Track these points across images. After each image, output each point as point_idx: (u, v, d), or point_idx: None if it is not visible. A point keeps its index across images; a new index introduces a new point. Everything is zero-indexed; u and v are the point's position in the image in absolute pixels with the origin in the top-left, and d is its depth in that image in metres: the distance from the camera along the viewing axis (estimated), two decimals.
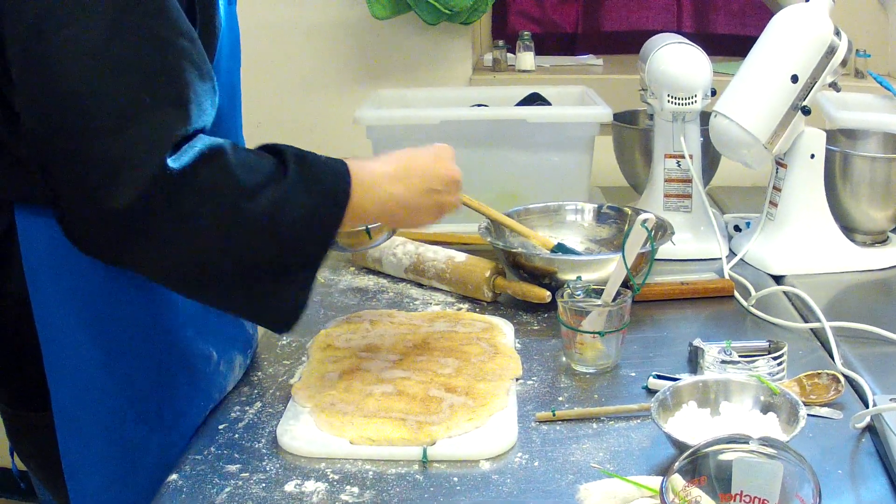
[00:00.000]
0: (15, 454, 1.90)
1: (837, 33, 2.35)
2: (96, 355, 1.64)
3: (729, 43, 3.83)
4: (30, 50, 1.39)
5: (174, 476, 1.61)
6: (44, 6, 1.39)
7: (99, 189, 1.40)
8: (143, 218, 1.42)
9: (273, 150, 1.62)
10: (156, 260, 1.49)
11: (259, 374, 1.97)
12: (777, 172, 2.49)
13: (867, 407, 1.75)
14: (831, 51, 2.34)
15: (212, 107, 1.54)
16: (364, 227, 1.95)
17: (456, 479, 1.59)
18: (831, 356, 1.97)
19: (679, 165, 2.56)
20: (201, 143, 1.48)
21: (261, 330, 2.10)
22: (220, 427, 1.76)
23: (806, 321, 2.15)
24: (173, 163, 1.42)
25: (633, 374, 1.93)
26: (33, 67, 1.40)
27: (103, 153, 1.39)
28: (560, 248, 2.35)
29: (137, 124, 1.40)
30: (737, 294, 2.29)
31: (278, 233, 1.54)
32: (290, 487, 1.57)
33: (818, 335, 2.08)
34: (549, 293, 2.16)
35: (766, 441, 1.34)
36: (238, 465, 1.64)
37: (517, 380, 1.90)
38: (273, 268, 1.57)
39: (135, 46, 1.41)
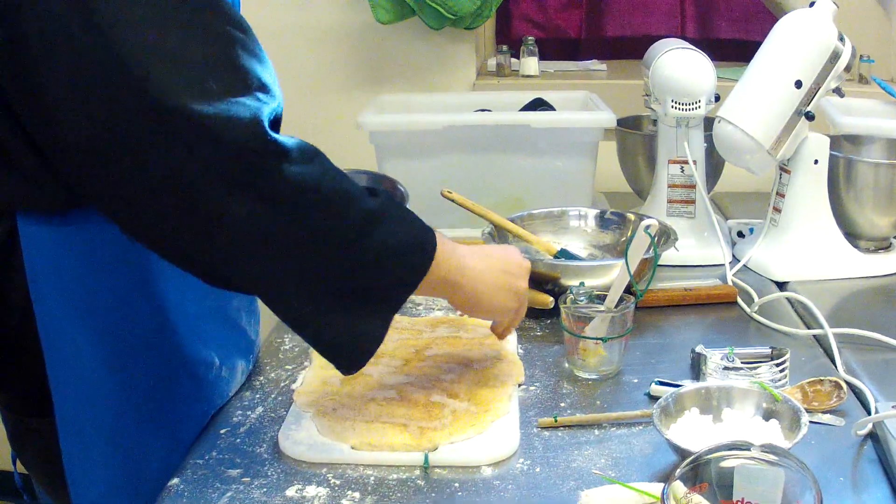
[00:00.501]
0: (18, 460, 1.91)
1: (841, 39, 2.35)
2: (98, 361, 1.64)
3: (733, 48, 3.83)
4: (84, 46, 1.35)
5: (175, 480, 1.61)
6: (95, 2, 1.35)
7: (197, 157, 1.38)
8: (248, 179, 1.41)
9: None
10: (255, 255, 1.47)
11: (261, 378, 1.97)
12: (780, 178, 2.49)
13: (869, 414, 1.74)
14: (835, 56, 2.34)
15: (279, 90, 1.54)
16: None
17: (457, 484, 1.59)
18: (834, 363, 1.97)
19: (683, 171, 2.56)
20: (299, 140, 1.50)
21: (262, 334, 2.10)
22: (222, 432, 1.76)
23: (809, 328, 2.15)
24: (279, 138, 1.44)
25: (636, 381, 1.92)
26: (92, 61, 1.35)
27: (198, 121, 1.36)
28: (563, 254, 2.35)
29: (216, 105, 1.37)
30: (740, 300, 2.29)
31: (366, 252, 1.53)
32: (291, 492, 1.57)
33: (821, 342, 2.08)
34: (552, 299, 2.16)
35: (767, 448, 1.34)
36: (239, 470, 1.64)
37: (519, 385, 1.90)
38: (348, 294, 1.55)
39: (190, 38, 1.39)
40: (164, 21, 1.37)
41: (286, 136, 1.46)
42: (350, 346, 1.59)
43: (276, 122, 1.47)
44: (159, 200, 1.40)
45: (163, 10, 1.38)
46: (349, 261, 1.52)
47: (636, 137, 2.88)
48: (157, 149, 1.36)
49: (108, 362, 1.64)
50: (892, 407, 1.71)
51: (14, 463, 1.91)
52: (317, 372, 1.93)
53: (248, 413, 1.83)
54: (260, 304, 2.02)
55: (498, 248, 1.92)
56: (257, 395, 1.90)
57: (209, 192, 1.39)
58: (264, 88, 1.46)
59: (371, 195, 1.55)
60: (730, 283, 2.38)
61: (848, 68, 2.38)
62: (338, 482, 1.60)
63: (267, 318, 2.26)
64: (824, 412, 1.77)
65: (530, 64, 3.63)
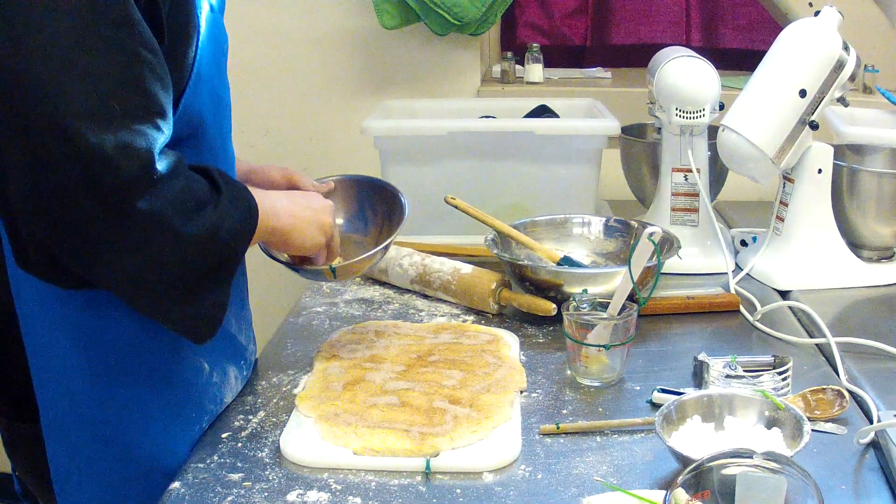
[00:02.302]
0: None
1: (846, 48, 2.35)
2: (81, 367, 1.64)
3: (737, 57, 3.83)
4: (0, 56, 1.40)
5: (176, 484, 1.61)
6: (14, 12, 1.39)
7: (79, 184, 1.42)
8: (117, 217, 1.46)
9: (201, 171, 1.64)
10: (112, 262, 1.51)
11: (263, 383, 1.97)
12: (784, 187, 2.49)
13: (871, 422, 1.74)
14: (840, 66, 2.34)
15: (172, 118, 1.57)
16: (329, 267, 1.95)
17: (459, 490, 1.59)
18: (836, 371, 1.97)
19: (686, 179, 2.56)
20: (172, 155, 1.53)
21: (263, 340, 2.10)
22: (223, 436, 1.76)
23: (811, 336, 2.15)
24: (160, 165, 1.48)
25: (638, 388, 1.92)
26: (3, 72, 1.40)
27: (88, 149, 1.40)
28: (566, 261, 2.35)
29: (113, 130, 1.42)
30: (742, 309, 2.29)
31: (220, 243, 1.59)
32: (292, 497, 1.57)
33: (823, 350, 2.08)
34: (554, 306, 2.16)
35: (770, 455, 1.34)
36: (240, 474, 1.64)
37: (521, 392, 1.90)
38: (210, 277, 1.61)
39: (103, 55, 1.42)
40: (77, 37, 1.40)
41: (168, 164, 1.51)
42: (202, 320, 1.64)
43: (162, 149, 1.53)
44: (46, 210, 1.46)
45: (77, 27, 1.41)
46: (194, 261, 1.57)
47: (640, 145, 2.88)
48: (50, 164, 1.42)
49: (91, 367, 1.64)
50: (894, 416, 1.71)
51: (13, 467, 1.91)
52: (319, 377, 1.93)
53: (250, 417, 1.83)
54: (255, 314, 2.03)
55: (299, 192, 2.00)
56: (259, 400, 1.90)
57: (81, 208, 1.44)
58: (163, 114, 1.51)
59: (211, 191, 1.61)
60: (732, 291, 2.38)
61: (852, 78, 2.38)
62: (339, 487, 1.60)
63: (267, 325, 2.27)
64: (826, 421, 1.77)
65: (535, 71, 3.63)
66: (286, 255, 1.97)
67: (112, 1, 1.43)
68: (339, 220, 2.18)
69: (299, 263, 1.95)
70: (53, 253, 1.51)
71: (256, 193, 1.72)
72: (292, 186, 2.10)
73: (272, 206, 1.78)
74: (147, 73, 1.47)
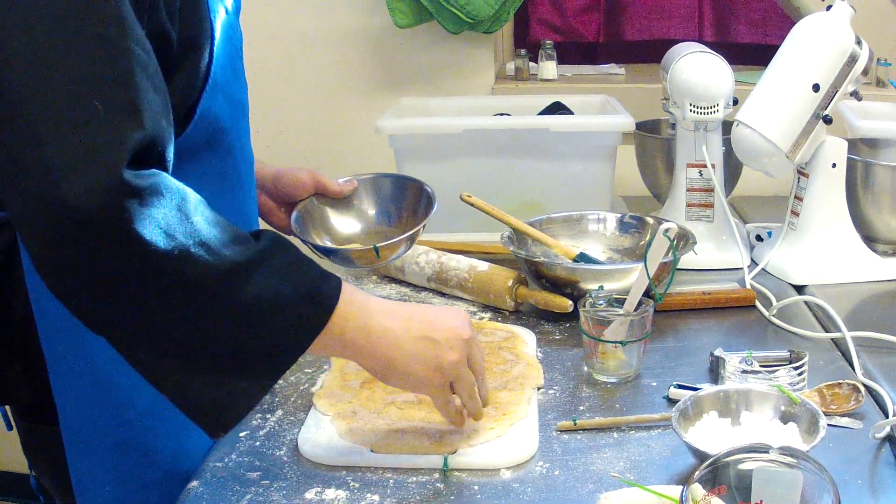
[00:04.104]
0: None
1: (859, 42, 2.35)
2: (100, 370, 1.64)
3: (750, 52, 3.82)
4: None
5: (194, 483, 1.62)
6: None
7: (44, 198, 1.25)
8: (87, 233, 1.27)
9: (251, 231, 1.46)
10: (88, 289, 1.33)
11: (280, 382, 1.96)
12: (798, 182, 2.49)
13: (887, 417, 1.74)
14: (852, 59, 2.34)
15: (168, 123, 1.40)
16: (373, 246, 1.95)
17: (476, 487, 1.59)
18: (852, 366, 1.97)
19: (701, 175, 2.56)
20: (163, 177, 1.34)
21: None
22: (241, 434, 1.77)
23: (827, 331, 2.15)
24: (132, 178, 1.28)
25: (655, 384, 1.93)
26: None
27: (48, 161, 1.25)
28: (582, 258, 2.36)
29: (89, 131, 1.28)
30: (758, 304, 2.29)
31: (235, 308, 1.37)
32: (310, 495, 1.57)
33: (839, 345, 2.08)
34: (570, 302, 2.16)
35: (786, 450, 1.34)
36: (259, 473, 1.64)
37: (538, 389, 1.91)
38: (218, 351, 1.41)
39: (89, 54, 1.32)
40: (63, 32, 1.31)
41: (151, 175, 1.32)
42: (216, 409, 1.45)
43: (148, 150, 1.34)
44: (29, 218, 1.30)
45: (65, 21, 1.31)
46: (212, 319, 1.37)
47: (655, 141, 2.88)
48: (24, 170, 1.28)
49: (109, 370, 1.64)
50: None
51: (31, 467, 1.92)
52: (336, 375, 1.93)
53: (268, 416, 1.84)
54: None
55: (431, 309, 1.68)
56: (276, 399, 1.91)
57: (56, 221, 1.27)
58: (148, 113, 1.35)
59: (245, 241, 1.40)
60: (748, 286, 2.38)
61: (865, 72, 2.38)
62: (357, 485, 1.60)
63: None
64: (842, 415, 1.77)
65: (548, 68, 3.63)
66: (319, 238, 1.95)
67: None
68: (371, 211, 2.21)
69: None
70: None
71: (347, 290, 1.50)
72: (319, 188, 2.10)
73: (367, 322, 1.52)
74: (136, 69, 1.35)
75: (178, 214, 1.33)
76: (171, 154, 1.41)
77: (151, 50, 1.41)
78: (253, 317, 1.38)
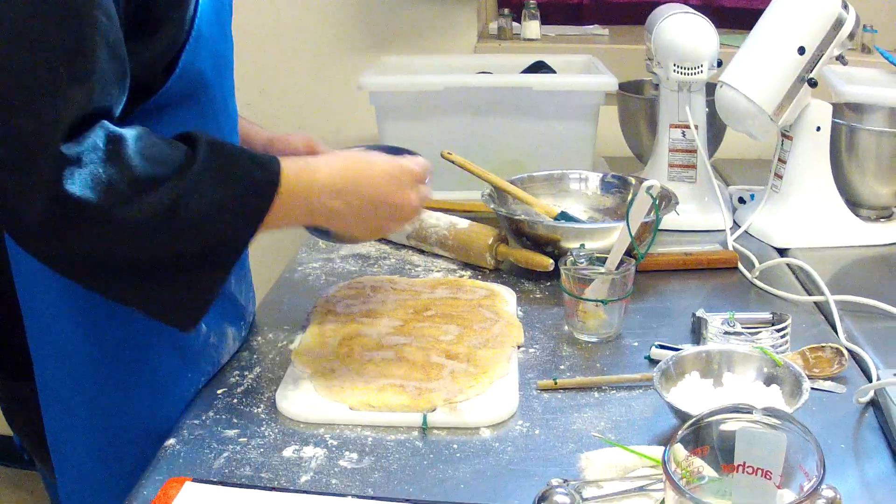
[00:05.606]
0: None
1: (845, 6, 2.34)
2: (76, 326, 1.62)
3: (736, 16, 3.80)
4: None
5: (171, 441, 1.61)
6: None
7: (16, 169, 1.33)
8: (43, 203, 1.34)
9: (188, 139, 1.50)
10: (48, 249, 1.41)
11: (258, 339, 1.96)
12: (782, 145, 2.48)
13: (870, 381, 1.74)
14: (839, 24, 2.33)
15: (120, 91, 1.45)
16: None
17: (456, 446, 1.58)
18: (835, 330, 1.96)
19: (684, 136, 2.55)
20: (102, 129, 1.39)
21: (260, 294, 2.09)
22: (219, 392, 1.75)
23: (809, 294, 2.14)
24: (67, 149, 1.34)
25: (636, 344, 1.92)
26: None
27: (17, 130, 1.32)
28: (563, 217, 2.35)
29: (52, 100, 1.34)
30: (740, 266, 2.28)
31: (177, 227, 1.43)
32: (288, 453, 1.56)
33: (822, 308, 2.07)
34: (551, 261, 2.15)
35: (770, 411, 1.33)
36: (236, 431, 1.63)
37: (519, 347, 1.89)
38: (172, 264, 1.47)
39: (55, 23, 1.35)
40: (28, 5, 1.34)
41: (86, 136, 1.37)
42: (182, 307, 1.53)
43: (92, 117, 1.38)
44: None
45: None
46: (164, 245, 1.44)
47: (638, 102, 2.87)
48: None
49: (85, 327, 1.63)
50: (894, 374, 1.71)
51: (10, 425, 1.91)
52: (315, 332, 1.92)
53: (246, 373, 1.82)
54: (252, 269, 2.01)
55: (378, 177, 1.72)
56: (255, 356, 1.89)
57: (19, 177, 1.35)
58: (99, 85, 1.39)
59: (181, 160, 1.46)
60: (730, 248, 2.37)
61: (851, 36, 2.37)
62: (335, 443, 1.59)
63: (263, 281, 2.26)
64: (825, 379, 1.76)
65: (532, 27, 3.62)
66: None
67: None
68: None
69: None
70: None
71: (298, 177, 1.58)
72: (312, 155, 2.08)
73: (319, 203, 1.62)
74: (98, 39, 1.38)
75: (112, 163, 1.38)
76: (117, 109, 1.45)
77: (115, 15, 1.42)
78: (199, 227, 1.46)
